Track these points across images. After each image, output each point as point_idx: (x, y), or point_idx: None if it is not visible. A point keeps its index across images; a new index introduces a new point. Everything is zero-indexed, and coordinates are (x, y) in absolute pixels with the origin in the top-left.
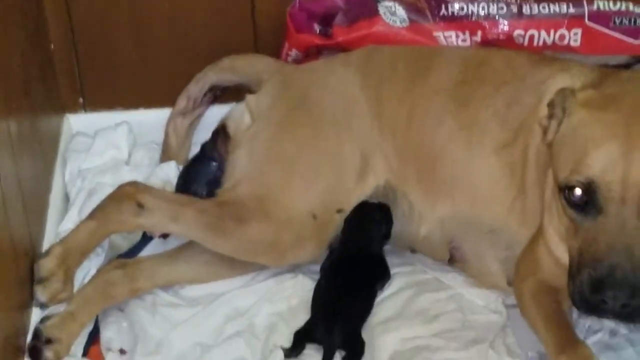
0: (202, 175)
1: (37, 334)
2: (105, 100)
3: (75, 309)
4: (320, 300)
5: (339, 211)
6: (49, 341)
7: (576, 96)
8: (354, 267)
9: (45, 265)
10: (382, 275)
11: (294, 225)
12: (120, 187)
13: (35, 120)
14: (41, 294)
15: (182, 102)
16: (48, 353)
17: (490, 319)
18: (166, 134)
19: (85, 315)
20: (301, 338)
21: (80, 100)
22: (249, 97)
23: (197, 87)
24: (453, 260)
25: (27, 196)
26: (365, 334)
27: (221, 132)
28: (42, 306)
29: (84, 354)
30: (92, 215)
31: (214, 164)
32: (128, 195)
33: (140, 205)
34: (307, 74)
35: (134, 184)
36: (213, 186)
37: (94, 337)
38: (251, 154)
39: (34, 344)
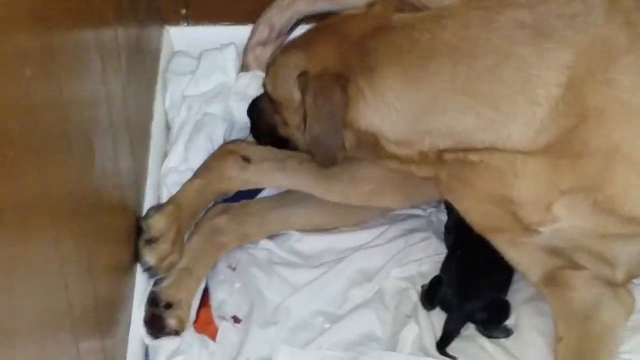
0: None
1: (154, 299)
2: (210, 13)
3: (189, 264)
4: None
5: None
6: (168, 305)
7: None
8: None
9: (156, 225)
10: None
11: None
12: (222, 146)
13: (140, 34)
14: (150, 256)
15: (263, 32)
16: (171, 320)
17: None
18: (246, 66)
19: (200, 269)
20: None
21: (183, 11)
22: None
23: (283, 17)
24: None
25: (133, 126)
26: (513, 315)
27: None
28: (149, 270)
29: None
30: (197, 174)
31: None
32: (232, 151)
33: (246, 159)
34: None
35: (235, 142)
36: None
37: (202, 298)
38: None
39: (152, 312)
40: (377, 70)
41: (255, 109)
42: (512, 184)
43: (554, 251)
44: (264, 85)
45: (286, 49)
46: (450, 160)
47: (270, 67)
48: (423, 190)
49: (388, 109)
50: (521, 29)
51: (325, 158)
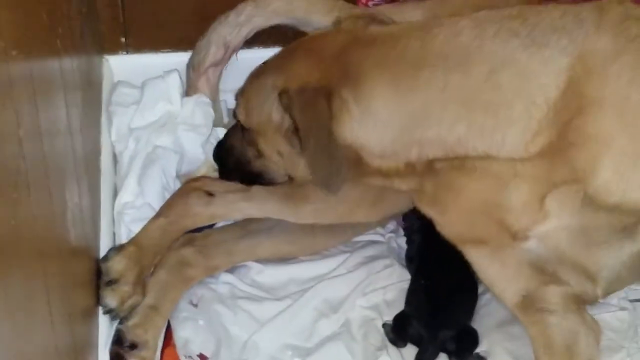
0: None
1: (119, 337)
2: (150, 40)
3: (156, 301)
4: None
5: None
6: (133, 346)
7: None
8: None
9: (116, 267)
10: None
11: None
12: (184, 184)
13: (87, 64)
14: (110, 298)
15: (218, 53)
16: None
17: (619, 316)
18: (193, 89)
19: (166, 305)
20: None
21: (123, 39)
22: None
23: (240, 34)
24: None
25: (88, 161)
26: (484, 342)
27: None
28: (110, 312)
29: None
30: (160, 212)
31: None
32: (195, 187)
33: (210, 194)
34: None
35: (197, 178)
36: None
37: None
38: None
39: (116, 352)
40: (364, 81)
41: (222, 148)
42: (507, 186)
43: (536, 265)
44: (234, 115)
45: (258, 74)
46: (441, 168)
47: (241, 96)
48: (396, 203)
49: (374, 120)
50: (515, 37)
51: (329, 176)
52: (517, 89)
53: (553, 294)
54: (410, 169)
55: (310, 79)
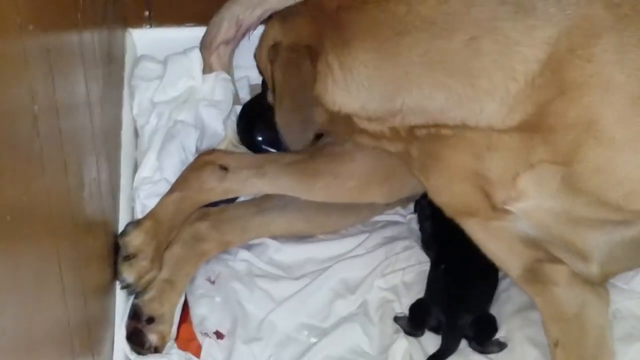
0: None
1: (136, 312)
2: (174, 15)
3: (171, 275)
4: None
5: None
6: (150, 320)
7: None
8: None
9: (134, 242)
10: None
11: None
12: (198, 156)
13: (109, 37)
14: (128, 273)
15: (230, 30)
16: (152, 336)
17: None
18: (208, 66)
19: (181, 279)
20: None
21: (147, 13)
22: None
23: (253, 14)
24: None
25: (108, 135)
26: (504, 327)
27: None
28: (128, 287)
29: None
30: (174, 187)
31: None
32: (209, 161)
33: (224, 168)
34: None
35: (211, 152)
36: None
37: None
38: None
39: (134, 327)
40: (350, 45)
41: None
42: (483, 156)
43: (530, 242)
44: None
45: (274, 17)
46: (422, 135)
47: (263, 35)
48: (408, 184)
49: (357, 87)
50: (502, 5)
51: (297, 135)
52: (497, 58)
53: (553, 270)
54: (395, 134)
55: (302, 36)
